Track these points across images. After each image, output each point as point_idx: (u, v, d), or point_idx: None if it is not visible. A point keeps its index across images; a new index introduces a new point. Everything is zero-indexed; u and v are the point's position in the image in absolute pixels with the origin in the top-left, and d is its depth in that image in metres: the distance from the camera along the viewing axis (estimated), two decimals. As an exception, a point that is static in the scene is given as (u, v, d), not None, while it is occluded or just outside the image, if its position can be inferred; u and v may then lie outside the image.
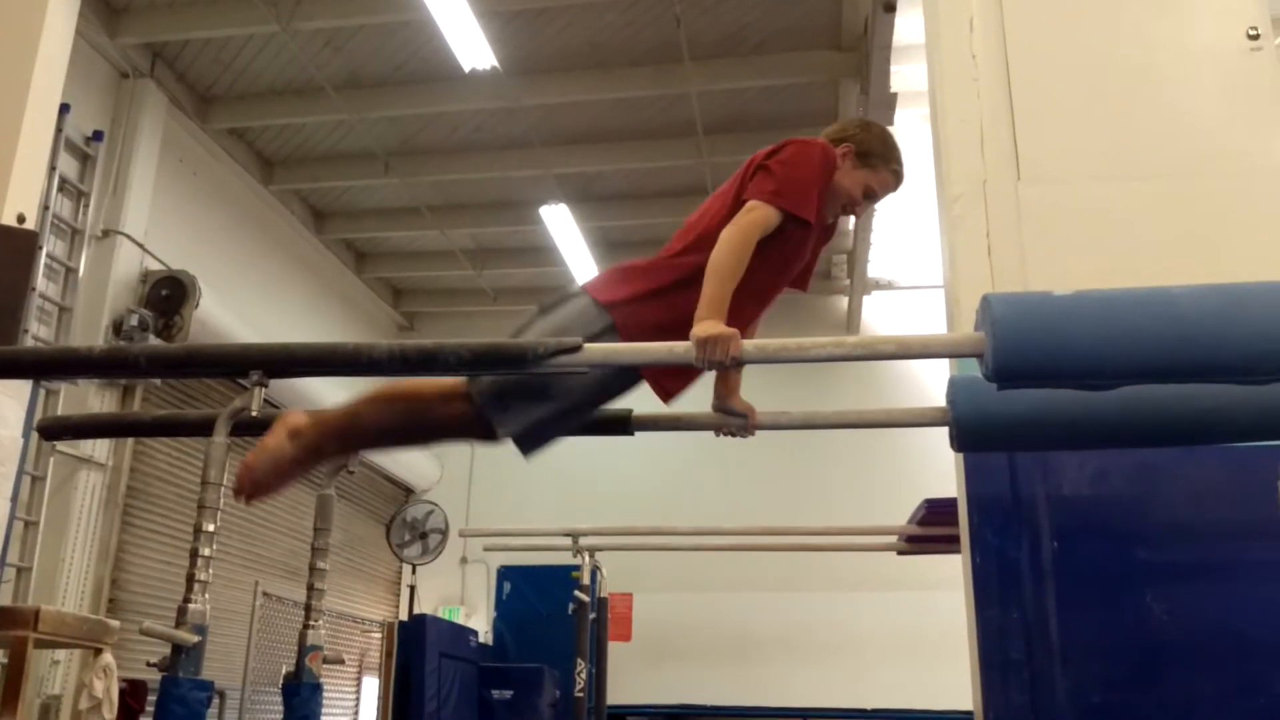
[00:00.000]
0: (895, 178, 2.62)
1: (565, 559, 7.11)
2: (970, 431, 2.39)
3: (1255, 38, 2.89)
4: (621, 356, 2.31)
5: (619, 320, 2.42)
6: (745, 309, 2.47)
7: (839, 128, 2.65)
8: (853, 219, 8.81)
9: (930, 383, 8.90)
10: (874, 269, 9.83)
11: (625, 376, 2.50)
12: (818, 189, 2.48)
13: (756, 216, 2.38)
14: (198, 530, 2.34)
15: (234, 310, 7.38)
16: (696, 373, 2.47)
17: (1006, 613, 2.51)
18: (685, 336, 2.19)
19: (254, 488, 2.43)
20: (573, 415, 2.53)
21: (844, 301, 10.41)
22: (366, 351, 2.33)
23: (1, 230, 3.65)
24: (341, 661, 3.40)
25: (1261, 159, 2.80)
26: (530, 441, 2.50)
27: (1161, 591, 2.46)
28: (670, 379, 2.53)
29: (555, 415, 2.46)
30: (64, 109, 5.72)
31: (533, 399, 2.40)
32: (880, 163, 2.58)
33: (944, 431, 2.47)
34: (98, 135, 6.60)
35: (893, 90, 6.66)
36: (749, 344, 2.18)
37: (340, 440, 2.50)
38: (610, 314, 2.43)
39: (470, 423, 2.41)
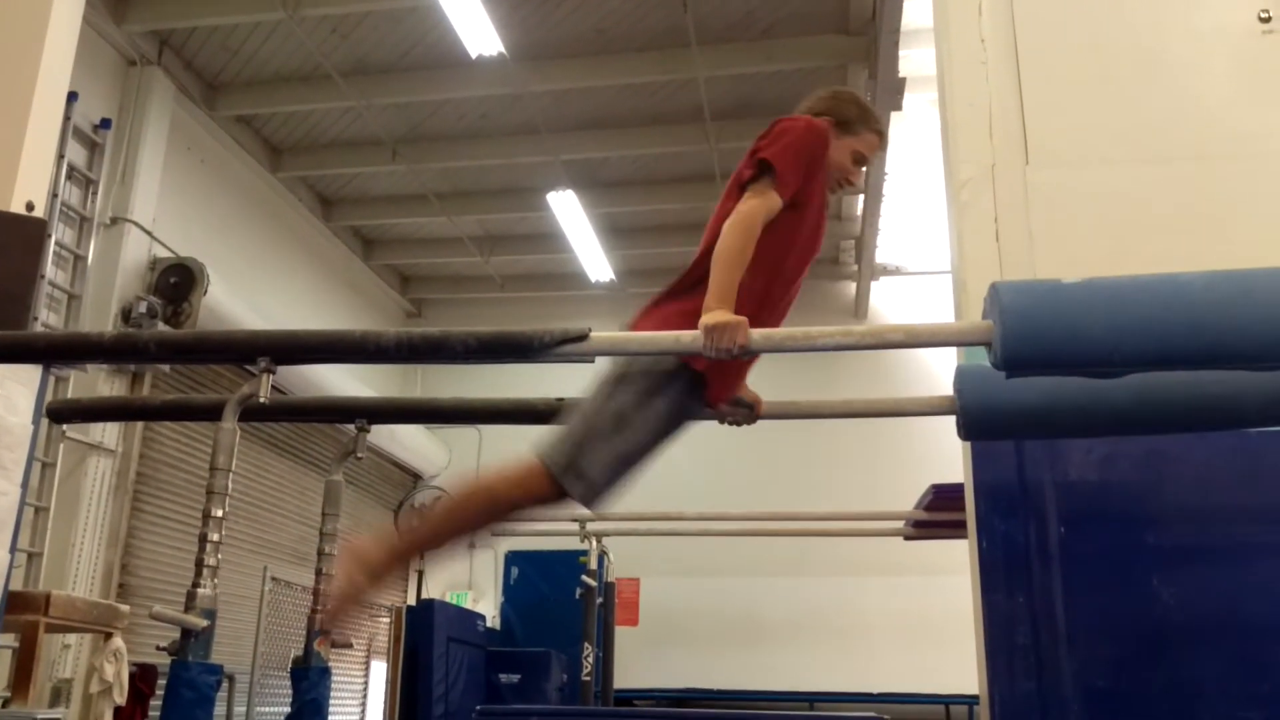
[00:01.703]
0: (878, 136, 2.62)
1: (573, 544, 7.14)
2: (978, 420, 2.38)
3: (1267, 20, 2.87)
4: (629, 345, 2.31)
5: (702, 367, 2.39)
6: (781, 296, 2.51)
7: (810, 104, 2.65)
8: (860, 202, 8.80)
9: (938, 367, 8.88)
10: (882, 254, 9.80)
11: (692, 407, 2.46)
12: (806, 157, 2.46)
13: (754, 204, 2.37)
14: (206, 516, 2.36)
15: (242, 297, 7.39)
16: (742, 373, 2.50)
17: (1012, 597, 2.51)
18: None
19: (331, 621, 2.64)
20: (640, 460, 2.47)
21: (852, 287, 10.40)
22: (374, 339, 2.34)
23: (10, 218, 3.65)
24: (350, 646, 3.42)
25: (1273, 142, 2.78)
26: (599, 498, 2.45)
27: (1168, 577, 2.46)
28: (721, 385, 2.51)
29: (625, 467, 2.41)
30: (72, 97, 5.72)
31: (608, 459, 2.34)
32: (860, 126, 2.59)
33: (951, 416, 2.47)
34: (105, 123, 6.60)
35: (901, 75, 6.63)
36: (756, 333, 2.17)
37: (414, 555, 2.48)
38: (687, 363, 2.38)
39: (546, 497, 2.37)
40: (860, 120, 2.59)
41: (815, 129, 2.51)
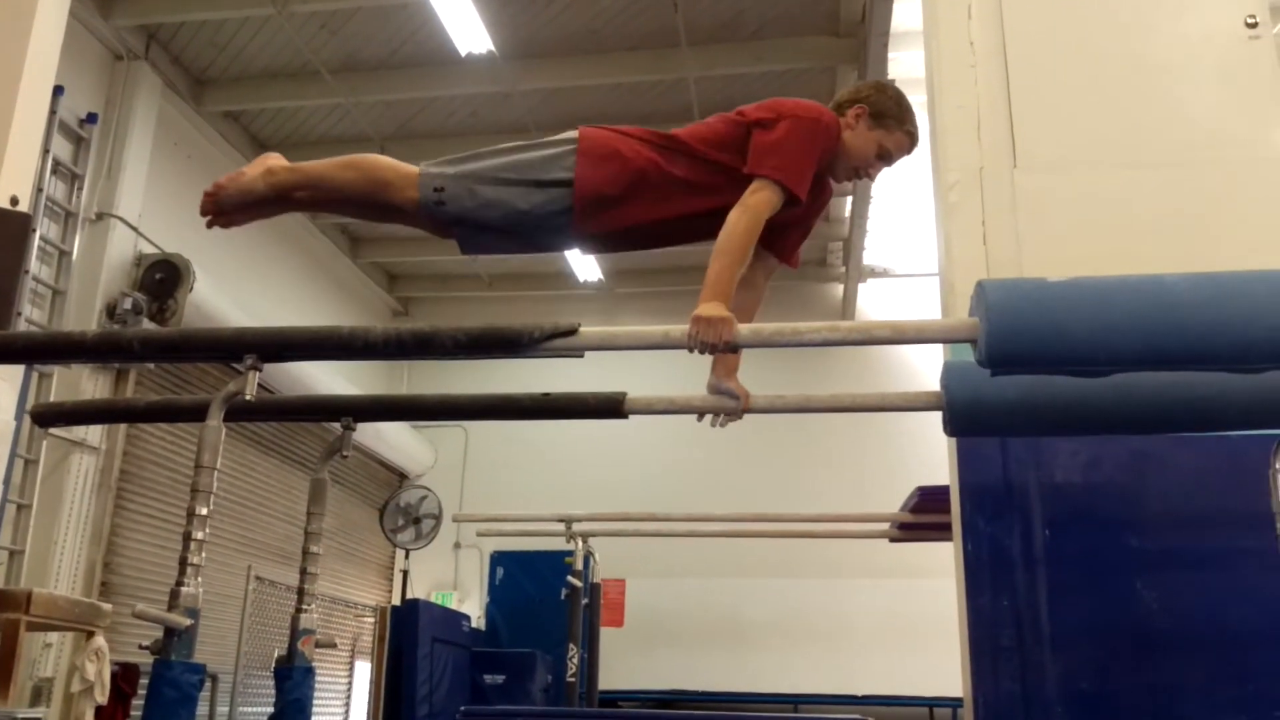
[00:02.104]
0: (909, 139, 2.60)
1: (558, 545, 7.12)
2: (963, 416, 2.39)
3: (1254, 26, 2.89)
4: (618, 340, 2.31)
5: (579, 197, 2.46)
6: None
7: (854, 89, 2.64)
8: (848, 204, 8.82)
9: (924, 371, 8.91)
10: (869, 256, 9.82)
11: (560, 217, 2.50)
12: (814, 163, 2.48)
13: (763, 197, 2.38)
14: (191, 514, 2.34)
15: (228, 294, 7.36)
16: (619, 233, 2.55)
17: (997, 600, 2.52)
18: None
19: (217, 210, 2.56)
20: (504, 241, 2.62)
21: (839, 289, 10.41)
22: (363, 335, 2.33)
23: (-6, 212, 3.63)
24: (334, 645, 3.39)
25: (1258, 148, 2.80)
26: (466, 245, 2.61)
27: (1152, 579, 2.47)
28: (601, 225, 2.54)
29: (476, 227, 2.54)
30: (58, 91, 5.69)
31: (469, 205, 2.50)
32: (894, 124, 2.56)
33: (937, 420, 2.47)
34: (91, 117, 6.56)
35: (890, 77, 6.65)
36: (744, 328, 2.18)
37: (309, 190, 2.60)
38: (574, 184, 2.46)
39: (403, 203, 2.52)
40: (896, 118, 2.57)
41: (824, 126, 2.51)
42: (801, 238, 2.75)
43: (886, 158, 2.59)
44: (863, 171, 2.61)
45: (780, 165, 2.40)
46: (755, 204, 2.36)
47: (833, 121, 2.54)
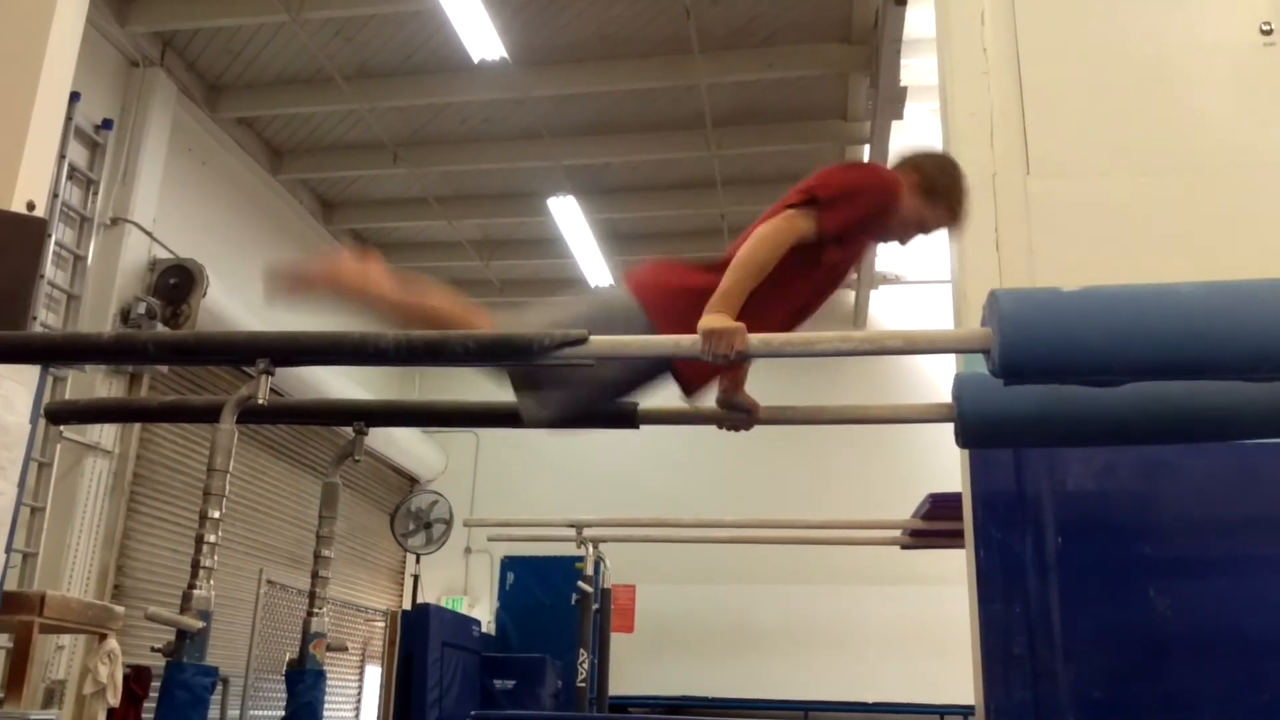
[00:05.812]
0: (951, 215, 2.52)
1: (569, 550, 7.12)
2: (976, 428, 2.38)
3: (1268, 33, 2.88)
4: (628, 348, 2.31)
5: (650, 306, 2.45)
6: (780, 319, 2.47)
7: (918, 158, 2.54)
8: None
9: (935, 374, 8.87)
10: (881, 263, 9.81)
11: (645, 373, 2.50)
12: (863, 211, 2.42)
13: (789, 223, 2.35)
14: (203, 517, 2.35)
15: (241, 299, 7.38)
16: (719, 370, 2.48)
17: (1009, 607, 2.51)
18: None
19: (288, 272, 2.59)
20: (588, 405, 2.55)
21: (851, 296, 10.39)
22: (374, 341, 2.33)
23: (11, 217, 3.65)
24: (345, 649, 3.41)
25: (1272, 155, 2.79)
26: (541, 415, 2.53)
27: (1165, 587, 2.46)
28: (694, 375, 2.54)
29: (569, 402, 2.49)
30: (74, 97, 5.73)
31: (544, 386, 2.43)
32: (942, 200, 2.49)
33: (949, 425, 2.47)
34: (107, 123, 6.60)
35: (903, 84, 6.64)
36: (755, 338, 2.17)
37: (367, 309, 2.59)
38: (642, 304, 2.45)
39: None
40: (946, 195, 2.49)
41: (888, 188, 2.46)
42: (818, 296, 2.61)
43: (924, 229, 2.52)
44: (900, 236, 2.53)
45: (820, 199, 2.36)
46: (775, 227, 2.35)
47: (897, 185, 2.46)
